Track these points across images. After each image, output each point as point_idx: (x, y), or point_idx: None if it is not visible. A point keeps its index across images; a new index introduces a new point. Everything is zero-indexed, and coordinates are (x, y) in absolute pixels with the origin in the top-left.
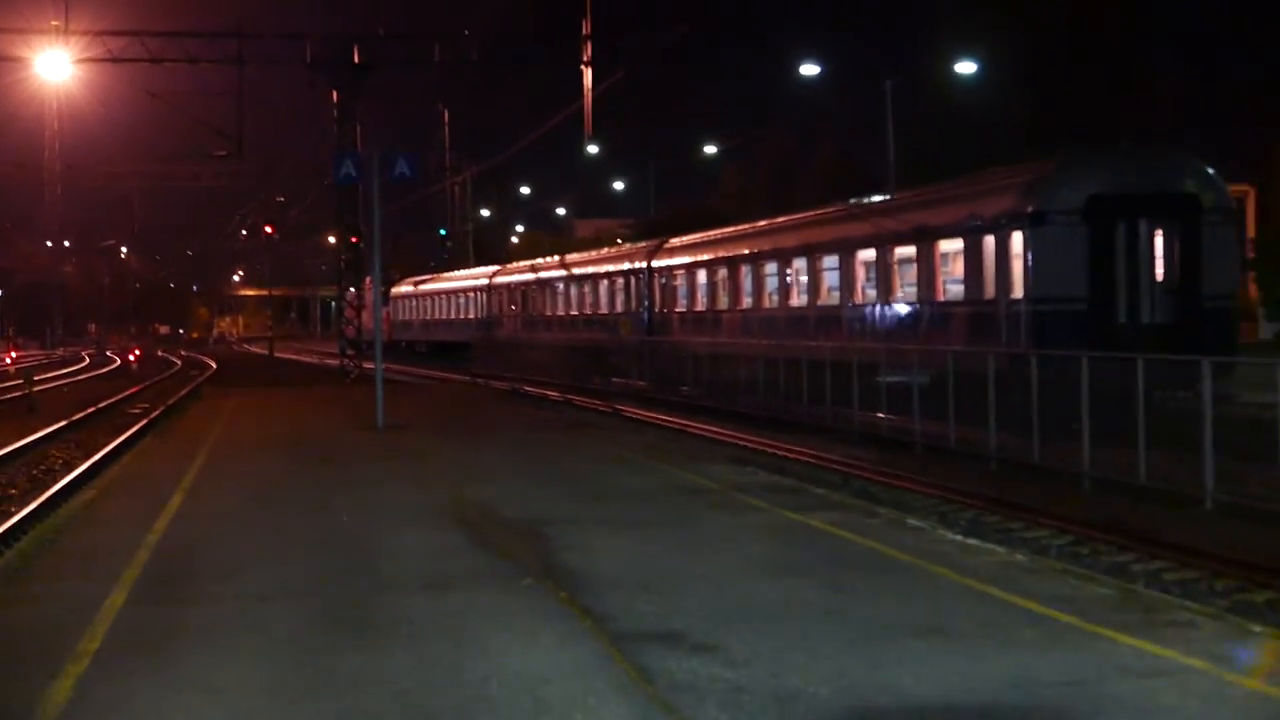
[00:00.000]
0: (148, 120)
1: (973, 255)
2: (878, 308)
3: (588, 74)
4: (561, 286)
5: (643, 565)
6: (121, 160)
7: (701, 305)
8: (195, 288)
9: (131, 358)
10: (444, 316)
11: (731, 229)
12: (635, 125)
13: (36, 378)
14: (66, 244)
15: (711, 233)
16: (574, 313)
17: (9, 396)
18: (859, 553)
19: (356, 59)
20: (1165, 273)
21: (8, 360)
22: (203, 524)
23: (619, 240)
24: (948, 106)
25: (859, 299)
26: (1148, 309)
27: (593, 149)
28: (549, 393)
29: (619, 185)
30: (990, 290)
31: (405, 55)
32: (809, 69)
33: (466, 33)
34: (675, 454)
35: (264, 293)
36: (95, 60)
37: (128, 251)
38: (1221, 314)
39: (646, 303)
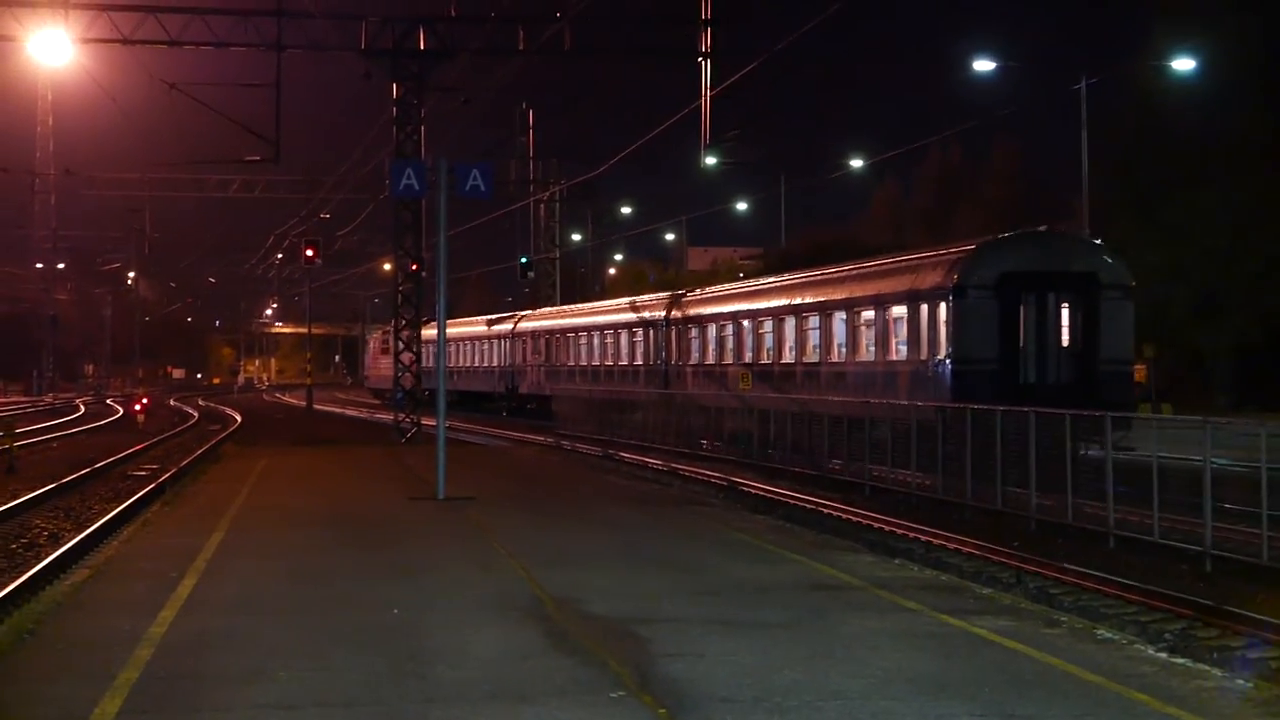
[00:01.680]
0: (163, 117)
1: (913, 321)
2: (846, 365)
3: (706, 68)
4: (584, 336)
5: (763, 678)
6: (131, 165)
7: (711, 359)
8: (218, 323)
9: (137, 408)
10: (469, 364)
11: (730, 286)
12: (764, 133)
13: (18, 430)
14: (61, 266)
15: (717, 288)
16: (597, 363)
17: None
18: (1035, 670)
19: (422, 45)
20: (1068, 339)
21: None
22: (220, 615)
23: (740, 275)
24: (1157, 113)
25: (834, 356)
26: (1053, 370)
27: (711, 161)
28: (649, 460)
29: (742, 206)
30: (925, 352)
31: (482, 42)
32: (983, 65)
33: (558, 15)
34: (805, 539)
35: (302, 330)
36: (101, 41)
37: (135, 276)
38: (1118, 376)
39: (664, 355)
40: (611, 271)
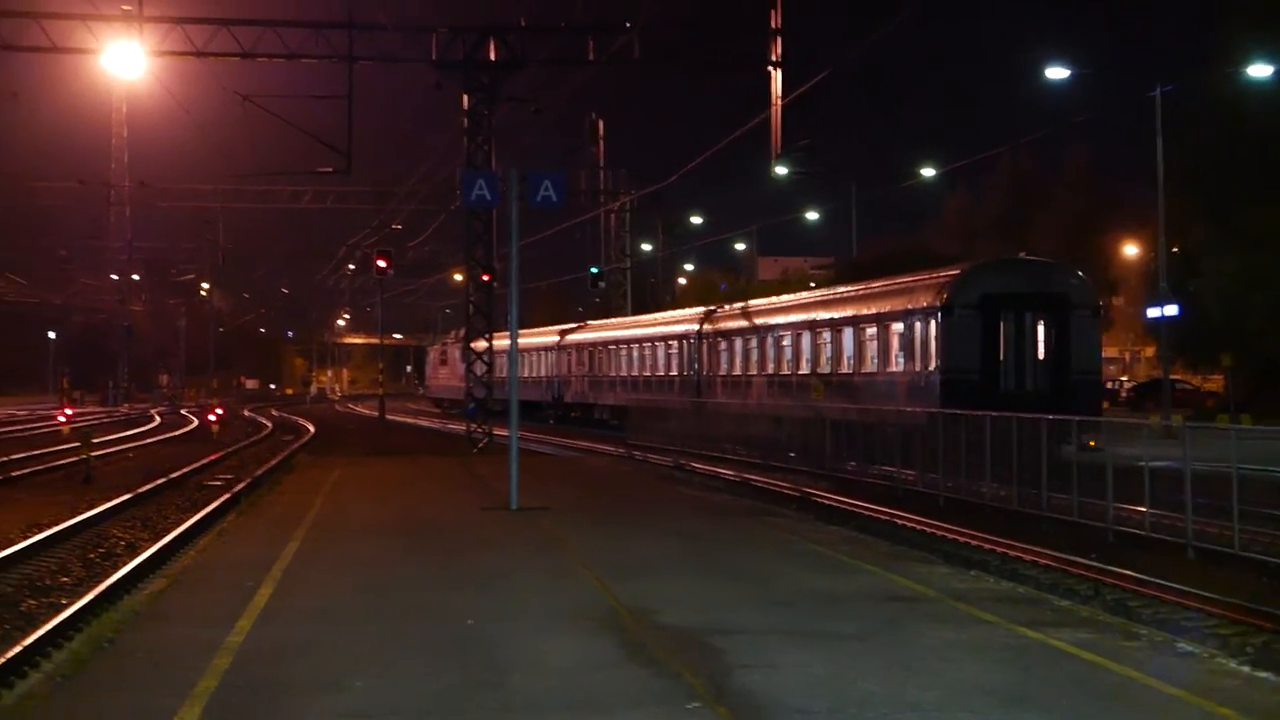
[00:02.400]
0: (236, 128)
1: (908, 336)
2: (850, 375)
3: (777, 77)
4: (624, 348)
5: (838, 689)
6: (204, 176)
7: (739, 370)
8: (290, 333)
9: (211, 418)
10: (521, 374)
11: (755, 303)
12: (835, 142)
13: (95, 440)
14: (136, 277)
15: (744, 304)
16: (635, 374)
17: (62, 464)
18: (1113, 683)
19: (493, 55)
20: (1043, 352)
21: (62, 419)
22: (296, 624)
23: (811, 284)
24: (1233, 119)
25: (844, 368)
26: (1030, 379)
27: (781, 170)
28: (721, 471)
29: (813, 215)
30: (918, 364)
31: (552, 52)
32: (1057, 72)
33: (628, 24)
34: (879, 550)
35: (374, 341)
36: (174, 54)
37: (209, 287)
38: (1088, 385)
39: (696, 366)
40: (682, 281)
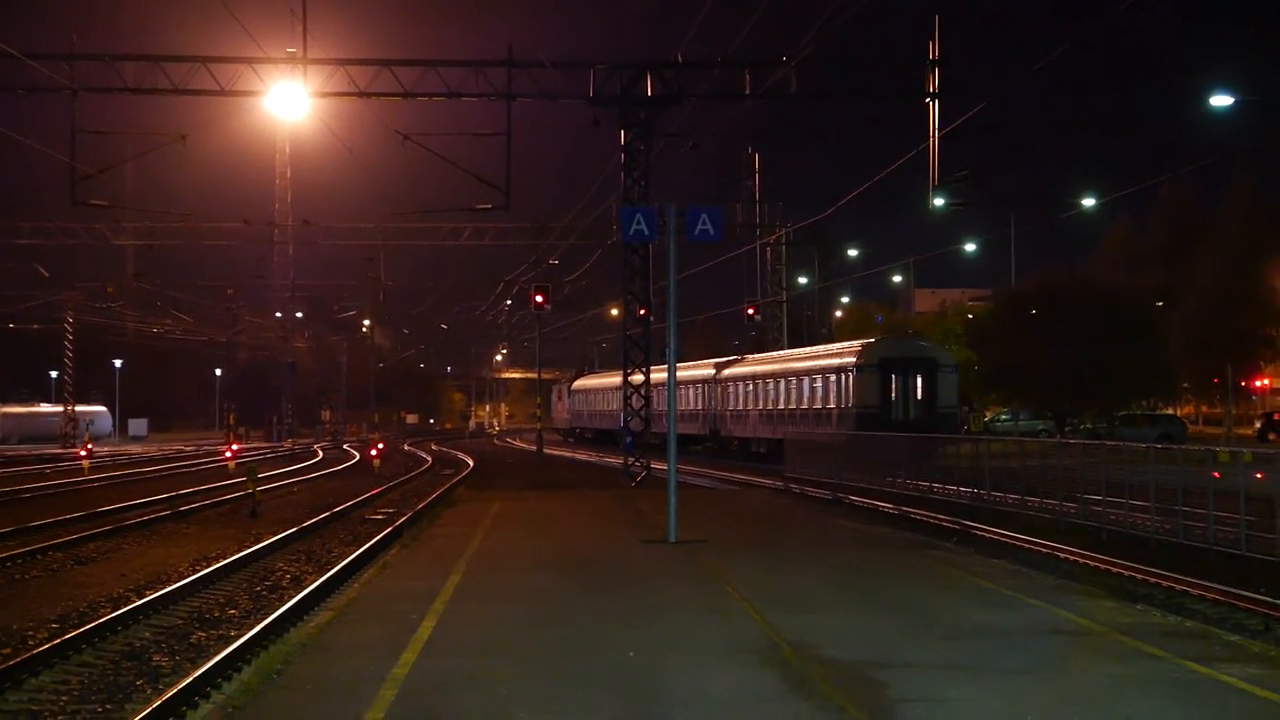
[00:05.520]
0: (397, 166)
1: (836, 384)
2: (804, 410)
3: (935, 108)
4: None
5: None
6: (365, 214)
7: (743, 406)
8: (449, 368)
9: (373, 453)
10: (601, 409)
11: (756, 357)
12: (994, 172)
13: (260, 475)
14: (299, 315)
15: (750, 357)
16: (681, 409)
17: (229, 498)
18: None
19: (649, 91)
20: (919, 395)
21: (228, 455)
22: (460, 657)
23: (970, 315)
24: None
25: (800, 405)
26: (911, 412)
27: (939, 201)
28: (880, 504)
29: (970, 247)
30: (843, 403)
31: (709, 87)
32: (1220, 100)
33: (785, 59)
34: (1042, 584)
35: (531, 375)
36: (337, 95)
37: (370, 324)
38: (948, 416)
39: (713, 403)
40: (838, 314)
